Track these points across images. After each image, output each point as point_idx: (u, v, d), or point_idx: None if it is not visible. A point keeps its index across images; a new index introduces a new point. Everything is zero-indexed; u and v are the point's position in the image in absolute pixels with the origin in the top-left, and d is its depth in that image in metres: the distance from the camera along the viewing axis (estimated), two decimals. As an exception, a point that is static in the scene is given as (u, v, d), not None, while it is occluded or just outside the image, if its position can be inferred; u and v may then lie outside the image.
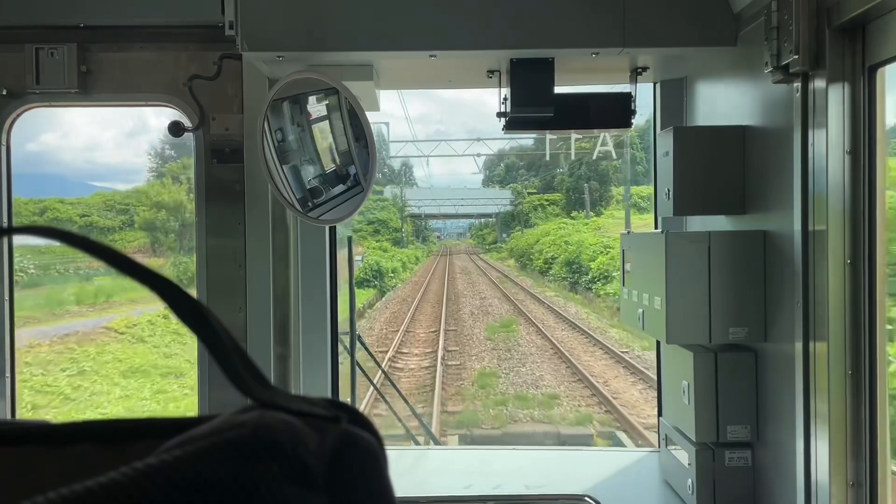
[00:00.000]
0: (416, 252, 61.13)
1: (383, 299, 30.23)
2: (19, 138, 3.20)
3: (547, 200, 63.50)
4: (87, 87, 3.06)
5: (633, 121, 3.16)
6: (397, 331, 20.52)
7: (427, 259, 64.04)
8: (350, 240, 4.46)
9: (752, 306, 2.63)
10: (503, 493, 3.08)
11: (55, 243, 0.46)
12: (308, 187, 2.98)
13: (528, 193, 68.13)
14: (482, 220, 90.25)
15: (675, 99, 3.31)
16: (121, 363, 14.79)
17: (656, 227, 3.39)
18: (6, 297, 3.12)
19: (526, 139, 65.17)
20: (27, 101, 3.07)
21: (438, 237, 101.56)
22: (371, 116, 2.98)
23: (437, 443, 6.67)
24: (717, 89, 3.02)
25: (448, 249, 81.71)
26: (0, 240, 3.03)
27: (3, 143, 3.11)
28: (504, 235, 72.32)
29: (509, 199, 74.57)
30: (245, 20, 2.71)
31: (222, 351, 0.46)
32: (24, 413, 7.46)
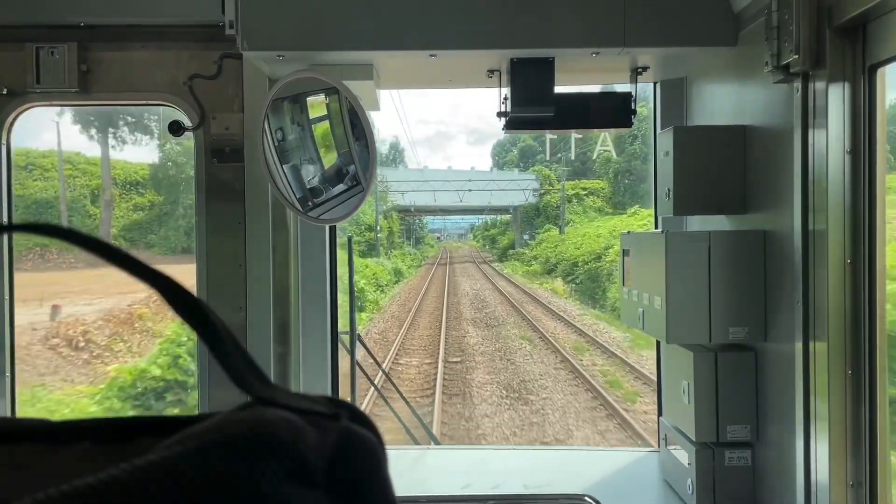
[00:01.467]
0: (398, 261, 42.69)
1: None
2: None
3: (584, 189, 47.83)
4: (88, 87, 3.06)
5: (633, 120, 3.16)
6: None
7: (414, 274, 43.63)
8: (350, 240, 4.46)
9: (752, 306, 2.63)
10: (502, 492, 3.08)
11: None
12: (308, 186, 2.98)
13: (559, 179, 50.84)
14: (490, 217, 72.01)
15: (675, 99, 3.31)
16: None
17: (656, 227, 3.39)
18: (6, 296, 3.12)
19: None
20: (27, 100, 3.07)
21: (438, 238, 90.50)
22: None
23: (436, 442, 6.68)
24: (718, 89, 3.01)
25: (448, 255, 64.53)
26: (0, 237, 3.04)
27: (4, 142, 3.11)
28: (526, 237, 54.35)
29: (533, 189, 56.55)
30: (245, 19, 2.71)
31: (222, 347, 0.46)
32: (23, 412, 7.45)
